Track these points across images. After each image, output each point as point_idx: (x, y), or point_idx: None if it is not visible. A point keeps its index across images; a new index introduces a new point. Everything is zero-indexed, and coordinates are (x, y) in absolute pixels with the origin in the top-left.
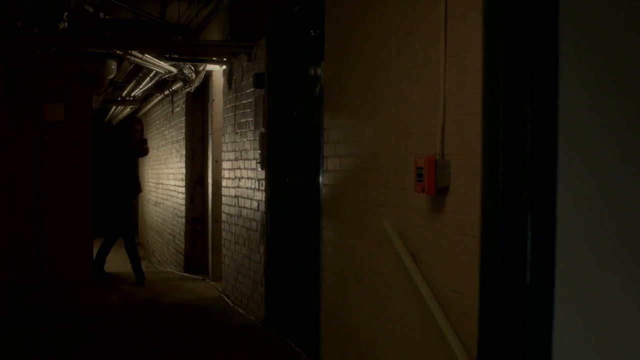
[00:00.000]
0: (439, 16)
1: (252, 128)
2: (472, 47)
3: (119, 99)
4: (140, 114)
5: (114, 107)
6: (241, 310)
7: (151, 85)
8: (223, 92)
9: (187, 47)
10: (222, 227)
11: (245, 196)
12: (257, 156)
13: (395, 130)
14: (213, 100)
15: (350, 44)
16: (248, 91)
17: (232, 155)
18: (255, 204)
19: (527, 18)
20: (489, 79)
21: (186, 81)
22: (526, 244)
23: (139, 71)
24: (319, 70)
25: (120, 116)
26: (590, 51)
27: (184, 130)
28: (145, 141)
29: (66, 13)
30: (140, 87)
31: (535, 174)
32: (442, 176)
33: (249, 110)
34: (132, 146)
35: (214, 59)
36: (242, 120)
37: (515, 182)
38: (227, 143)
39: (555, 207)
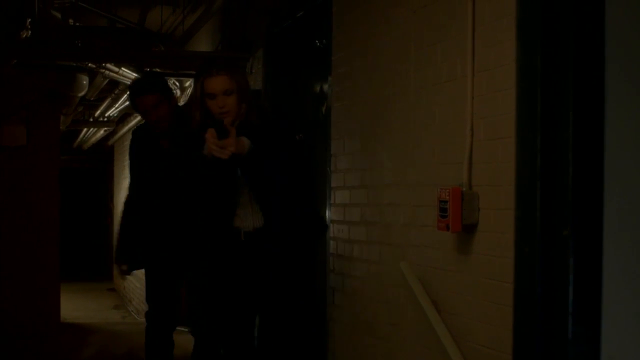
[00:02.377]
0: (465, 23)
1: None
2: (504, 59)
3: (91, 119)
4: (114, 138)
5: (85, 130)
6: None
7: (129, 104)
8: None
9: (171, 59)
10: None
11: None
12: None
13: (414, 158)
14: None
15: (361, 56)
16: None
17: None
18: None
19: (568, 27)
20: (524, 98)
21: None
22: (567, 292)
23: (115, 87)
24: (325, 87)
25: (93, 140)
26: None
27: None
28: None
29: (29, 20)
30: (116, 106)
31: (578, 210)
32: (470, 211)
33: None
34: (162, 142)
35: None
36: None
37: (554, 219)
38: None
39: (602, 249)
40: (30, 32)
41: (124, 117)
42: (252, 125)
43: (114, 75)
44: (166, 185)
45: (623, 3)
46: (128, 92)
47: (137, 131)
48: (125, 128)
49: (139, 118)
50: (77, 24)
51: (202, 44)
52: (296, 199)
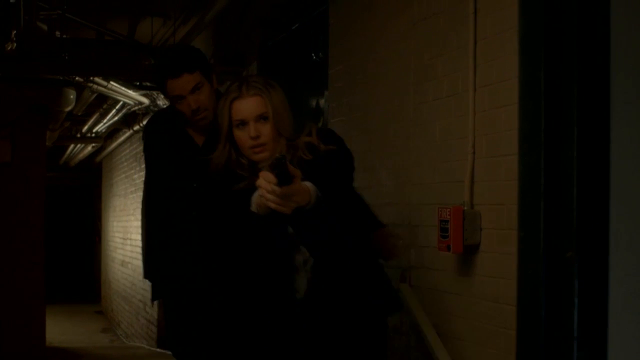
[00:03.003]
0: (467, 37)
1: None
2: (507, 74)
3: (79, 135)
4: (103, 154)
5: (72, 146)
6: None
7: (118, 119)
8: None
9: None
10: None
11: None
12: None
13: (414, 175)
14: None
15: (360, 70)
16: None
17: None
18: None
19: (572, 41)
20: (527, 115)
21: None
22: (572, 316)
23: (103, 102)
24: (321, 102)
25: (81, 156)
26: None
27: None
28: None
29: (14, 31)
30: (105, 121)
31: (582, 231)
32: (472, 231)
33: None
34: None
35: None
36: None
37: (558, 240)
38: None
39: (608, 271)
40: (15, 44)
41: (112, 132)
42: (303, 163)
43: (103, 89)
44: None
45: (628, 16)
46: (154, 72)
47: (158, 120)
48: (114, 144)
49: (128, 134)
50: (64, 36)
51: None
52: (362, 264)
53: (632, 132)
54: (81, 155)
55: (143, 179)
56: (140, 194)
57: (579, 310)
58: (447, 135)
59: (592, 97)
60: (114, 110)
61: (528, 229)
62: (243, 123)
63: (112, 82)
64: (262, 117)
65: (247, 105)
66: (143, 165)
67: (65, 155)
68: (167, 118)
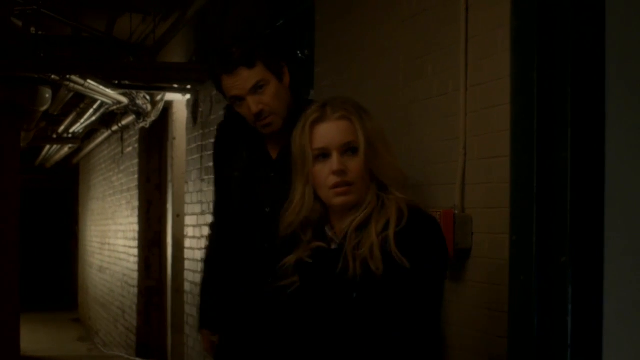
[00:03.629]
0: (458, 34)
1: None
2: (499, 73)
3: (55, 136)
4: (80, 156)
5: (47, 147)
6: None
7: (95, 119)
8: (186, 128)
9: (141, 70)
10: (185, 300)
11: None
12: None
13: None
14: (174, 139)
15: (346, 68)
16: None
17: (197, 208)
18: None
19: (565, 40)
20: (519, 115)
21: (140, 114)
22: (566, 323)
23: (80, 101)
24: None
25: (57, 157)
26: None
27: (136, 176)
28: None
29: None
30: (82, 121)
31: (577, 235)
32: (462, 235)
33: None
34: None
35: (175, 86)
36: (211, 164)
37: (552, 244)
38: (192, 193)
39: (603, 277)
40: None
41: (90, 133)
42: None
43: (80, 88)
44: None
45: (623, 15)
46: (208, 67)
47: (225, 126)
48: (92, 145)
49: (107, 134)
50: (40, 32)
51: (175, 54)
52: None
53: (627, 133)
54: (57, 157)
55: (122, 180)
56: (119, 196)
57: (572, 318)
58: (438, 136)
59: (586, 97)
60: (91, 110)
61: (520, 233)
62: (324, 154)
63: (89, 81)
64: (349, 149)
65: (331, 131)
66: (122, 167)
67: (41, 157)
68: (236, 121)
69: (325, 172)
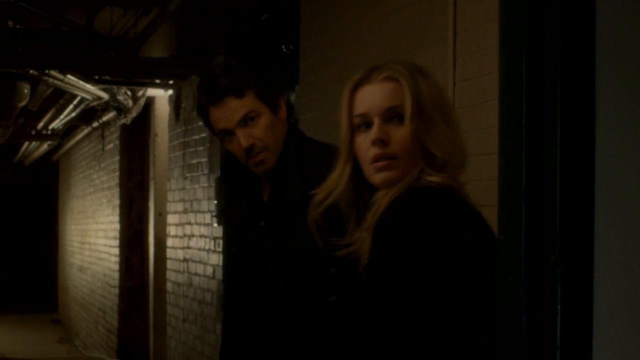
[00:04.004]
0: (446, 28)
1: (205, 171)
2: (488, 68)
3: (34, 132)
4: (60, 153)
5: (26, 144)
6: None
7: (75, 116)
8: (169, 125)
9: (122, 65)
10: (168, 300)
11: (198, 259)
12: (213, 208)
13: None
14: (156, 135)
15: (332, 63)
16: (201, 123)
17: (180, 207)
18: (210, 270)
19: (555, 35)
20: (508, 112)
21: (121, 110)
22: (555, 324)
23: (60, 97)
24: (292, 97)
25: (36, 154)
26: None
27: (117, 173)
28: None
29: None
30: (61, 117)
31: (566, 234)
32: None
33: (202, 148)
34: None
35: (157, 81)
36: (194, 161)
37: (541, 243)
38: (174, 190)
39: (593, 277)
40: None
41: (70, 129)
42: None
43: (59, 83)
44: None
45: (614, 8)
46: (195, 99)
47: (225, 164)
48: (72, 142)
49: (87, 131)
50: (18, 26)
51: (157, 49)
52: None
53: (619, 130)
54: (36, 154)
55: (102, 178)
56: (100, 194)
57: (562, 318)
58: None
59: (577, 93)
60: (71, 106)
61: (508, 232)
62: (366, 123)
63: (69, 76)
64: (395, 115)
65: (374, 94)
66: (103, 164)
67: (20, 154)
68: (233, 160)
69: (367, 144)
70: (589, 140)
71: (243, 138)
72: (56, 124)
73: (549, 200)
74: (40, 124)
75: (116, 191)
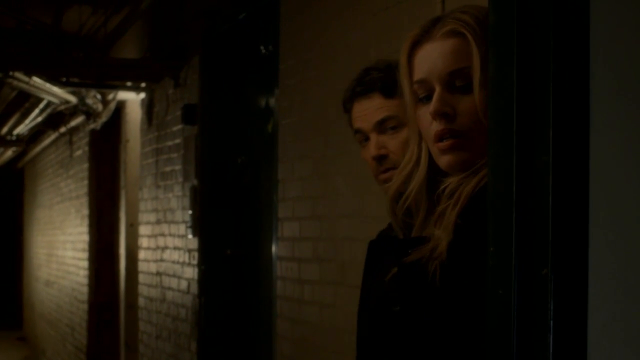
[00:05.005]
0: None
1: (180, 179)
2: None
3: None
4: (25, 160)
5: None
6: None
7: (41, 120)
8: (141, 130)
9: (91, 67)
10: (140, 316)
11: (171, 273)
12: (187, 218)
13: (374, 184)
14: (127, 141)
15: (313, 65)
16: (175, 129)
17: (152, 217)
18: (184, 284)
19: (547, 36)
20: (497, 116)
21: (90, 115)
22: (547, 341)
23: (25, 100)
24: (271, 101)
25: (0, 161)
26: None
27: (86, 182)
28: None
29: None
30: (27, 122)
31: (559, 246)
32: None
33: (175, 154)
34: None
35: (129, 84)
36: (167, 169)
37: (532, 255)
38: (146, 200)
39: (587, 291)
40: None
41: (36, 135)
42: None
43: (24, 85)
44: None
45: (609, 8)
46: (345, 91)
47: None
48: (38, 148)
49: (54, 136)
50: None
51: (129, 49)
52: None
53: (614, 136)
54: (0, 161)
55: (70, 186)
56: (68, 203)
57: (554, 334)
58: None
59: (569, 97)
60: (37, 110)
61: (498, 243)
62: (427, 90)
63: (34, 78)
64: (460, 77)
65: (433, 54)
66: (71, 172)
67: None
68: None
69: (428, 118)
70: (583, 146)
71: (374, 146)
72: (21, 129)
73: (540, 209)
74: (4, 129)
75: (85, 200)
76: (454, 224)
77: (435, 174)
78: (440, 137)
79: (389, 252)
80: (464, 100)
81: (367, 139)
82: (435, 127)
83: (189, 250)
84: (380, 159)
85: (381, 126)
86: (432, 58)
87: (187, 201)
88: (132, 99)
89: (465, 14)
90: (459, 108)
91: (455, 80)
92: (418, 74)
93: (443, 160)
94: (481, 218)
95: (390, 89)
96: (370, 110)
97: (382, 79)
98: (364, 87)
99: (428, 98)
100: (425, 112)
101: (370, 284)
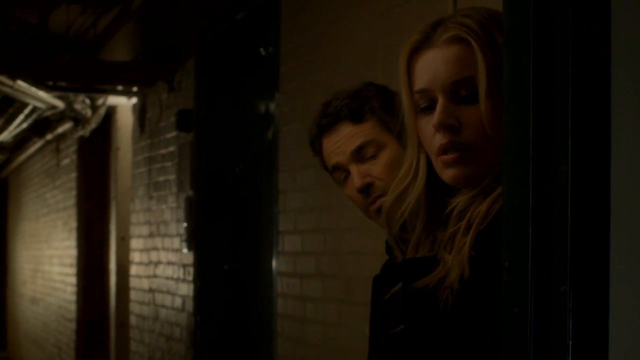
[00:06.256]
0: None
1: (174, 190)
2: None
3: None
4: (9, 169)
5: None
6: None
7: (27, 127)
8: (132, 138)
9: (80, 70)
10: (131, 336)
11: (165, 290)
12: (182, 231)
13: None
14: (118, 149)
15: (317, 68)
16: (169, 136)
17: (145, 230)
18: (179, 302)
19: (565, 38)
20: (513, 123)
21: (78, 121)
22: None
23: (9, 106)
24: (272, 106)
25: None
26: None
27: (74, 192)
28: None
29: None
30: (11, 128)
31: (578, 260)
32: None
33: (170, 163)
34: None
35: (119, 88)
36: (161, 179)
37: (550, 271)
38: (139, 212)
39: (608, 309)
40: None
41: (20, 142)
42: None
43: (8, 90)
44: None
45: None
46: (308, 132)
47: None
48: (23, 156)
49: (40, 144)
50: None
51: (119, 51)
52: None
53: (637, 143)
54: None
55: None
56: (54, 216)
57: (573, 356)
58: None
59: (590, 102)
60: (22, 116)
61: (514, 258)
62: (429, 103)
63: (19, 82)
64: (465, 87)
65: (434, 62)
66: (58, 182)
67: None
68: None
69: (430, 130)
70: (604, 155)
71: (357, 176)
72: (4, 136)
73: (558, 222)
74: None
75: (73, 212)
76: (468, 255)
77: (434, 188)
78: (444, 150)
79: (395, 278)
80: (469, 111)
81: (346, 174)
82: (439, 139)
83: (184, 266)
84: (367, 188)
85: (359, 154)
86: (434, 66)
87: (181, 213)
88: (123, 104)
89: (468, 18)
90: (464, 119)
91: (460, 90)
92: (419, 84)
93: (447, 174)
94: (497, 249)
95: (358, 114)
96: (342, 141)
97: (347, 105)
98: (329, 119)
99: (430, 108)
100: (427, 123)
101: (383, 320)
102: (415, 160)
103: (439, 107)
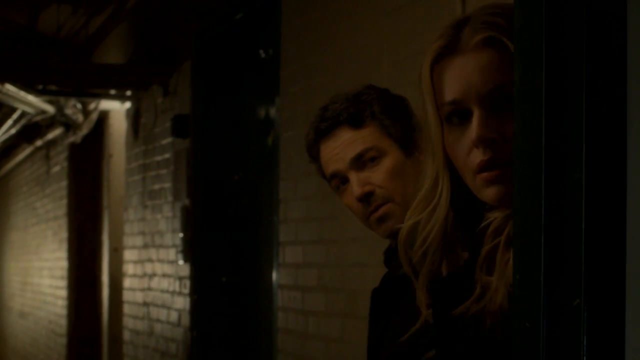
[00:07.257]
0: None
1: (169, 199)
2: None
3: None
4: None
5: None
6: None
7: (15, 132)
8: (126, 144)
9: (71, 73)
10: (124, 351)
11: (160, 303)
12: (178, 242)
13: None
14: (111, 156)
15: (319, 70)
16: (164, 142)
17: (139, 241)
18: (175, 316)
19: (579, 38)
20: (524, 128)
21: (69, 126)
22: None
23: None
24: (272, 111)
25: None
26: None
27: (65, 201)
28: None
29: None
30: None
31: (592, 273)
32: None
33: (165, 171)
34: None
35: (112, 92)
36: (156, 187)
37: (563, 285)
38: (132, 222)
39: (624, 324)
40: None
41: (8, 149)
42: None
43: None
44: None
45: None
46: (305, 138)
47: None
48: (11, 163)
49: (29, 151)
50: None
51: (112, 53)
52: None
53: None
54: None
55: (47, 207)
56: (44, 225)
57: None
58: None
59: (605, 107)
60: (10, 121)
61: (525, 271)
62: (460, 113)
63: (7, 85)
64: (505, 95)
65: (466, 69)
66: (48, 190)
67: None
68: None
69: (465, 146)
70: (620, 162)
71: (356, 184)
72: None
73: (572, 232)
74: None
75: (64, 222)
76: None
77: (457, 208)
78: (484, 168)
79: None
80: (510, 123)
81: (344, 181)
82: (478, 156)
83: (180, 278)
84: (367, 197)
85: (359, 161)
86: (466, 74)
87: (177, 223)
88: (116, 109)
89: (498, 17)
90: (505, 132)
91: (498, 99)
92: (449, 94)
93: (489, 194)
94: None
95: (357, 118)
96: (341, 147)
97: (346, 109)
98: (328, 123)
99: (463, 118)
100: (459, 138)
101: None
102: (440, 181)
103: (476, 119)
